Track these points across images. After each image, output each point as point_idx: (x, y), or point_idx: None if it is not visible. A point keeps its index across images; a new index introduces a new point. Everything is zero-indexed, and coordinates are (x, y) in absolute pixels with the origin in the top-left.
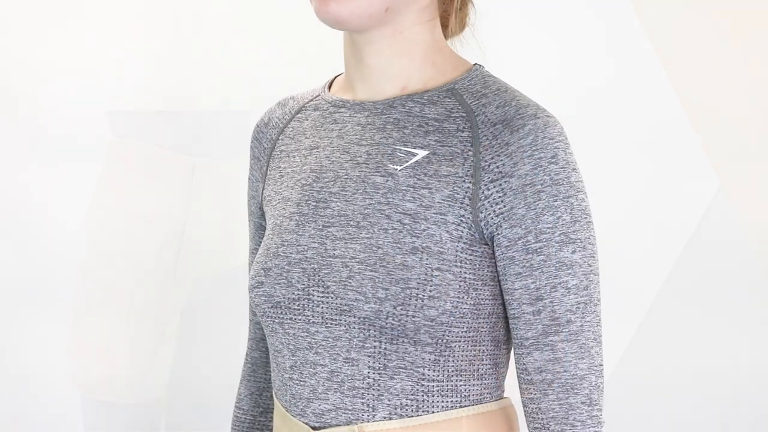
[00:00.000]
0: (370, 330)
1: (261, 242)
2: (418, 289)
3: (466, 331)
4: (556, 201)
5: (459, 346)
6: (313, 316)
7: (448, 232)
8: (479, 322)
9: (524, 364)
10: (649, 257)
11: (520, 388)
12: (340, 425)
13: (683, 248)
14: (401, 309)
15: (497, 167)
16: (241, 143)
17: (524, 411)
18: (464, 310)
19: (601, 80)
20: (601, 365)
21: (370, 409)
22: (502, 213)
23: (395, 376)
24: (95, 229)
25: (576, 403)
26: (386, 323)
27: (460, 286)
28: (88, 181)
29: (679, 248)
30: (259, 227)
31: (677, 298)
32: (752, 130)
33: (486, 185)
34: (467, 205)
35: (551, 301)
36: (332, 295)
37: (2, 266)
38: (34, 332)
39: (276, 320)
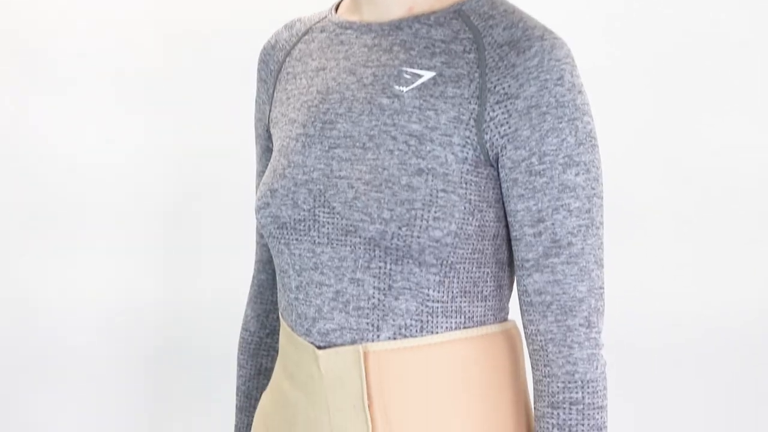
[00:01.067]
0: (375, 251)
1: (268, 165)
2: (423, 210)
3: (470, 253)
4: (560, 123)
5: (463, 268)
6: (318, 237)
7: (453, 153)
8: (484, 244)
9: (524, 285)
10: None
11: (520, 309)
12: (344, 344)
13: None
14: (406, 230)
15: (503, 89)
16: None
17: (524, 333)
18: (469, 232)
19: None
20: (602, 288)
21: (375, 329)
22: (507, 134)
23: (400, 297)
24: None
25: (574, 326)
26: (391, 244)
27: (465, 207)
28: (90, 113)
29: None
30: (266, 150)
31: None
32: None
33: (491, 107)
34: (472, 126)
35: (552, 223)
36: (338, 216)
37: (5, 193)
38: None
39: (282, 241)
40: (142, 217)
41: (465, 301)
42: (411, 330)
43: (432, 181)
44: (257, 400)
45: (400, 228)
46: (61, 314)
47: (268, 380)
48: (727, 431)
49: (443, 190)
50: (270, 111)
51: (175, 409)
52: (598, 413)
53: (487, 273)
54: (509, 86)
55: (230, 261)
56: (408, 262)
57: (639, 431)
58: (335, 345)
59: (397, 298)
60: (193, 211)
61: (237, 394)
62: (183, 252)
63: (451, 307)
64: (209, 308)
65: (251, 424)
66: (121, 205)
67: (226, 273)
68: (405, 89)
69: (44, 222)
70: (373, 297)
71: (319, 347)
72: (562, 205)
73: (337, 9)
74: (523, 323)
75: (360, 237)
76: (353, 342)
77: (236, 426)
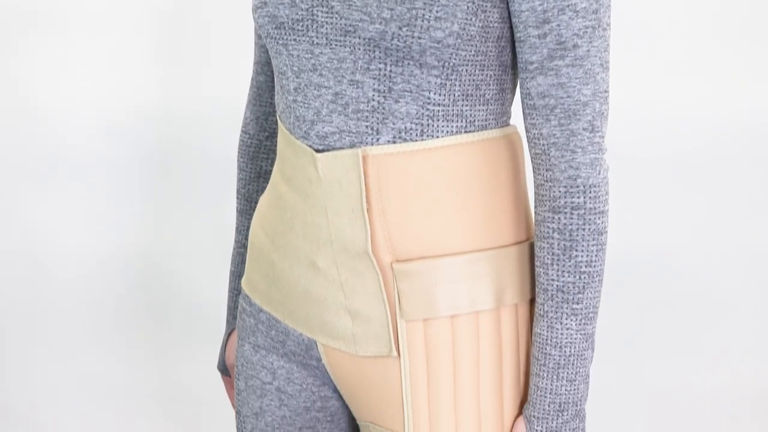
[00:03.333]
0: (375, 52)
1: None
2: (424, 9)
3: (473, 55)
4: None
5: (466, 70)
6: (317, 37)
7: None
8: (487, 46)
9: (528, 89)
10: None
11: (523, 113)
12: (343, 148)
13: None
14: (407, 30)
15: None
16: None
17: (526, 137)
18: (472, 33)
19: None
20: (606, 92)
21: (374, 132)
22: None
23: (400, 100)
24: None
25: (578, 130)
26: (391, 45)
27: (468, 7)
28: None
29: None
30: None
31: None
32: None
33: None
34: None
35: (558, 24)
36: (336, 15)
37: None
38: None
39: (280, 41)
40: (146, 22)
41: (466, 105)
42: (411, 134)
43: None
44: (257, 202)
45: (400, 28)
46: (61, 116)
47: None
48: (727, 236)
49: None
50: None
51: (174, 209)
52: (599, 218)
53: (490, 76)
54: None
55: (232, 65)
56: (409, 64)
57: (638, 238)
58: (334, 148)
59: (397, 101)
60: (195, 17)
61: (237, 197)
62: (185, 57)
63: (452, 110)
64: (210, 113)
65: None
66: (124, 10)
67: (227, 77)
68: None
69: (44, 24)
70: (373, 99)
71: (318, 150)
72: (568, 5)
73: None
74: (526, 127)
75: (359, 37)
76: (352, 145)
77: (237, 228)
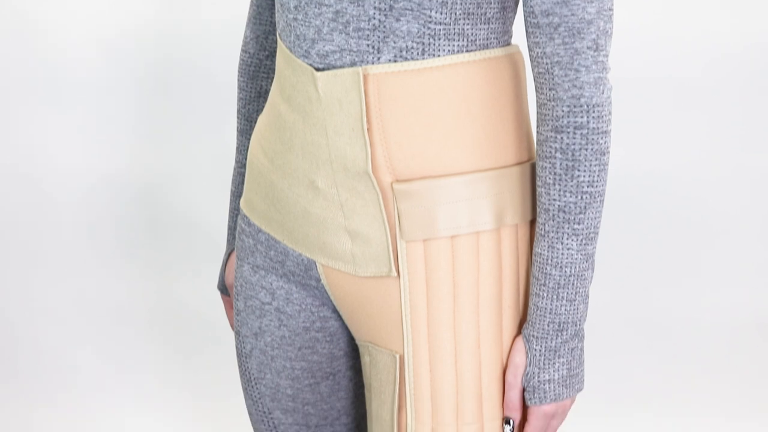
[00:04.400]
0: None
1: None
2: None
3: None
4: None
5: None
6: None
7: None
8: None
9: (531, 6)
10: None
11: (526, 32)
12: (344, 67)
13: None
14: None
15: None
16: None
17: (529, 56)
18: None
19: None
20: (611, 10)
21: (375, 51)
22: None
23: (401, 18)
24: None
25: (582, 48)
26: None
27: None
28: None
29: None
30: None
31: None
32: None
33: None
34: None
35: None
36: None
37: None
38: None
39: None
40: None
41: (468, 24)
42: (412, 53)
43: None
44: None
45: None
46: (62, 32)
47: None
48: (729, 160)
49: None
50: None
51: (174, 130)
52: (602, 138)
53: None
54: None
55: None
56: None
57: (638, 159)
58: (334, 67)
59: (398, 20)
60: None
61: (238, 117)
62: None
63: (454, 29)
64: (210, 33)
65: None
66: None
67: None
68: None
69: None
70: (374, 18)
71: (318, 69)
72: None
73: None
74: (529, 46)
75: None
76: (353, 64)
77: (237, 148)
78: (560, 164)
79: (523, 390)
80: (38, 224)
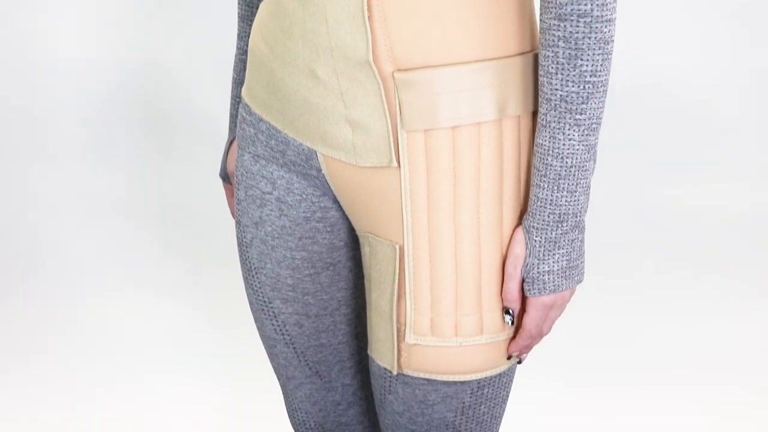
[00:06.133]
0: None
1: None
2: None
3: None
4: None
5: None
6: None
7: None
8: None
9: None
10: None
11: None
12: None
13: None
14: None
15: None
16: None
17: None
18: None
19: None
20: None
21: None
22: None
23: None
24: None
25: None
26: None
27: None
28: None
29: None
30: None
31: None
32: None
33: None
34: None
35: None
36: None
37: None
38: None
39: None
40: None
41: None
42: None
43: None
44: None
45: None
46: None
47: None
48: (729, 55)
49: None
50: None
51: (174, 18)
52: (606, 26)
53: None
54: None
55: None
56: None
57: (639, 53)
58: None
59: None
60: None
61: (239, 2)
62: None
63: None
64: None
65: None
66: None
67: None
68: None
69: None
70: None
71: None
72: None
73: None
74: None
75: None
76: None
77: (238, 35)
78: (563, 53)
79: (523, 281)
80: (39, 111)
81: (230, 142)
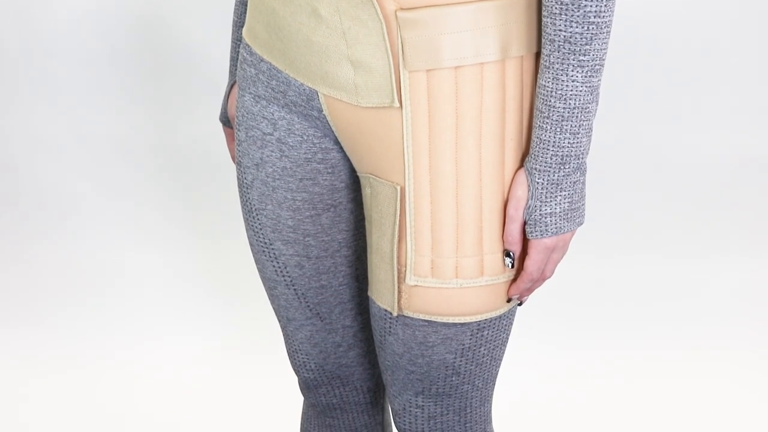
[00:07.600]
0: None
1: None
2: None
3: None
4: None
5: None
6: None
7: None
8: None
9: None
10: None
11: None
12: None
13: None
14: None
15: None
16: None
17: None
18: None
19: None
20: None
21: None
22: None
23: None
24: None
25: None
26: None
27: None
28: None
29: None
30: None
31: None
32: None
33: None
34: None
35: None
36: None
37: None
38: None
39: None
40: None
41: None
42: None
43: None
44: None
45: None
46: None
47: None
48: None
49: None
50: None
51: None
52: None
53: None
54: None
55: None
56: None
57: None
58: None
59: None
60: None
61: None
62: None
63: None
64: None
65: None
66: None
67: None
68: None
69: None
70: None
71: None
72: None
73: None
74: None
75: None
76: None
77: None
78: None
79: (524, 223)
80: (38, 54)
81: (230, 86)
